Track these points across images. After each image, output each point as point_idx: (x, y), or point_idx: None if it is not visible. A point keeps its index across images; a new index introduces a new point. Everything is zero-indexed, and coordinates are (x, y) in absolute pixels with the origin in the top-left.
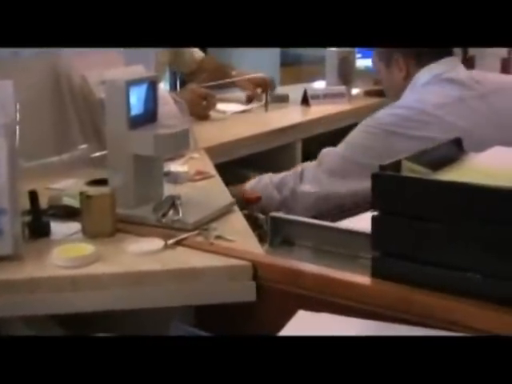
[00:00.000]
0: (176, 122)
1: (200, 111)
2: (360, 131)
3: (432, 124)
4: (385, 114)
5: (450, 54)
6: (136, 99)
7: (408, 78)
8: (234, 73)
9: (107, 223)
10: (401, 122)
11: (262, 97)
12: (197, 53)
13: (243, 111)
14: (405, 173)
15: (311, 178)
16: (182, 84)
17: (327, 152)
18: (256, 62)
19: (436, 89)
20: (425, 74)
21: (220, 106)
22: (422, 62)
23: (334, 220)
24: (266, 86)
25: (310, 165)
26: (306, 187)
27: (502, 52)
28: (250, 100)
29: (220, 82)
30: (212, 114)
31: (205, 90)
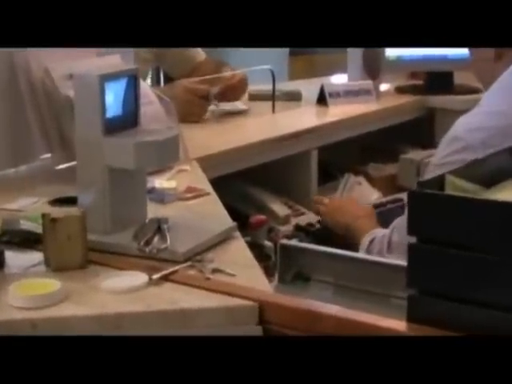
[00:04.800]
0: (162, 127)
1: (196, 113)
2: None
3: None
4: (467, 131)
5: None
6: (113, 98)
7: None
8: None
9: (76, 253)
10: (493, 139)
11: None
12: (196, 53)
13: (240, 112)
14: (448, 191)
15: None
16: (167, 79)
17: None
18: (260, 50)
19: None
20: None
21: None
22: None
23: None
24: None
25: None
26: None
27: None
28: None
29: (208, 76)
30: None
31: (203, 87)
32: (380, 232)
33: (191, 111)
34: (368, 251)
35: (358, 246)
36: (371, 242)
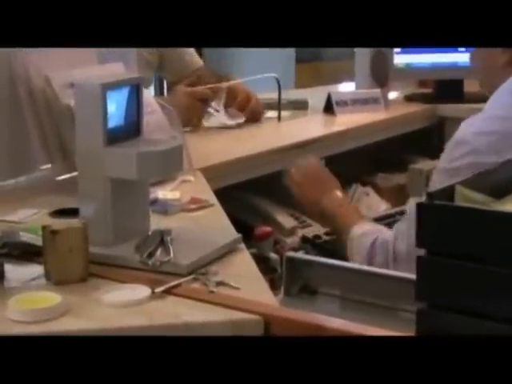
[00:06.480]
0: (165, 136)
1: (194, 116)
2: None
3: None
4: (473, 134)
5: None
6: (115, 107)
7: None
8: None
9: (77, 266)
10: (498, 144)
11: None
12: (194, 59)
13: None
14: (458, 202)
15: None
16: (170, 88)
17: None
18: (265, 57)
19: None
20: None
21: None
22: None
23: None
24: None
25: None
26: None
27: None
28: None
29: (212, 85)
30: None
31: (204, 91)
32: (380, 232)
33: (191, 115)
34: (370, 255)
35: (344, 236)
36: (373, 244)
